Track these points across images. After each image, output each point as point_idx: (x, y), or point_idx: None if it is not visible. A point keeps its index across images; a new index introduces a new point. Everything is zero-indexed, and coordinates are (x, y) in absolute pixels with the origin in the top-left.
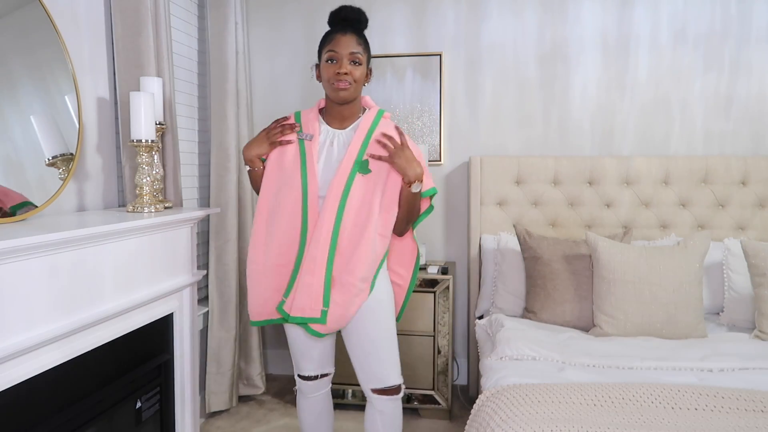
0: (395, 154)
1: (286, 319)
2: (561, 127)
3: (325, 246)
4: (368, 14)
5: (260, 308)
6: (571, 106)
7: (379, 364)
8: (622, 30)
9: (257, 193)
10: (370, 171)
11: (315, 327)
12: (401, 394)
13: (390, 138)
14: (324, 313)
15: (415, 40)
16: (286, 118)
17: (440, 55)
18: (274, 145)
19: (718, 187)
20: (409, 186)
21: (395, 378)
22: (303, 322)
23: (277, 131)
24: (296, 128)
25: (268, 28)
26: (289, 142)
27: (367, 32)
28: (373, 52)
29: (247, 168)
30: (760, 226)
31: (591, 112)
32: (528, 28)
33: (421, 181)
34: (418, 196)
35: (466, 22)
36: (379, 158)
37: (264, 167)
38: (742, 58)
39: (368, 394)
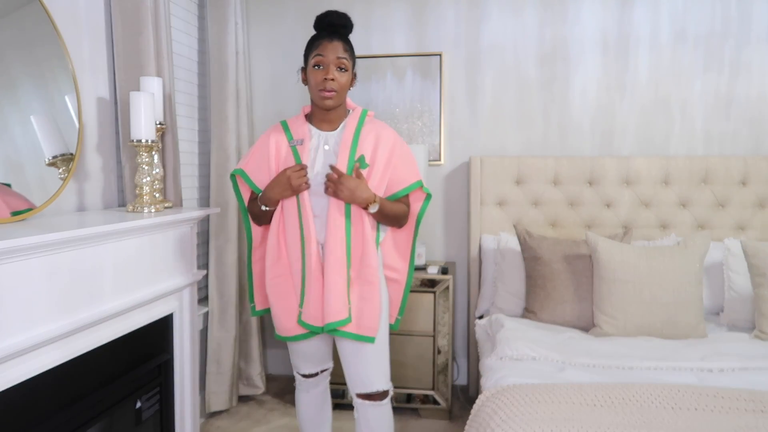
0: (336, 190)
1: (315, 330)
2: (561, 127)
3: (342, 243)
4: (368, 14)
5: (291, 323)
6: (571, 107)
7: (366, 368)
8: (622, 30)
9: (257, 223)
10: (368, 165)
11: (347, 329)
12: (387, 400)
13: (329, 175)
14: (349, 310)
15: (415, 40)
16: (304, 167)
17: (440, 55)
18: (298, 191)
19: (718, 187)
20: (366, 209)
21: (381, 384)
22: (333, 328)
23: (302, 177)
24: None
25: (268, 28)
26: (307, 186)
27: (367, 32)
28: (373, 52)
29: (264, 208)
30: (760, 226)
31: (591, 112)
32: (528, 28)
33: (375, 202)
34: (387, 210)
35: (466, 22)
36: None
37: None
38: (742, 58)
39: (354, 399)
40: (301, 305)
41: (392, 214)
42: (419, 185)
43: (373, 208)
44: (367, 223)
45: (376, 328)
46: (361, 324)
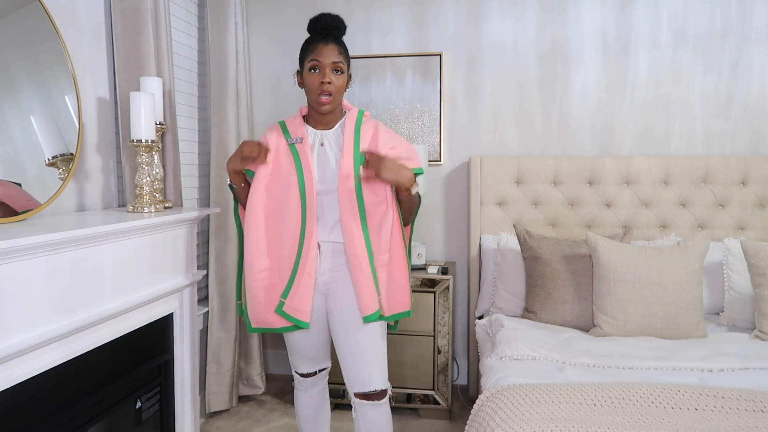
0: (380, 169)
1: (300, 324)
2: (561, 127)
3: (360, 240)
4: (368, 14)
5: (267, 316)
6: (571, 106)
7: (364, 367)
8: (622, 30)
9: (243, 205)
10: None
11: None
12: (385, 400)
13: (369, 154)
14: (379, 302)
15: (415, 40)
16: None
17: (440, 55)
18: (246, 161)
19: (718, 187)
20: (409, 192)
21: (379, 383)
22: (372, 320)
23: (253, 149)
24: (269, 152)
25: (268, 28)
26: (263, 161)
27: (367, 32)
28: (373, 52)
29: (228, 182)
30: (760, 226)
31: (591, 112)
32: (528, 28)
33: (415, 182)
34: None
35: (466, 22)
36: (367, 178)
37: (248, 182)
38: (742, 58)
39: (353, 398)
40: (284, 296)
41: (416, 199)
42: (421, 172)
43: (416, 189)
44: (378, 214)
45: (409, 302)
46: (394, 303)
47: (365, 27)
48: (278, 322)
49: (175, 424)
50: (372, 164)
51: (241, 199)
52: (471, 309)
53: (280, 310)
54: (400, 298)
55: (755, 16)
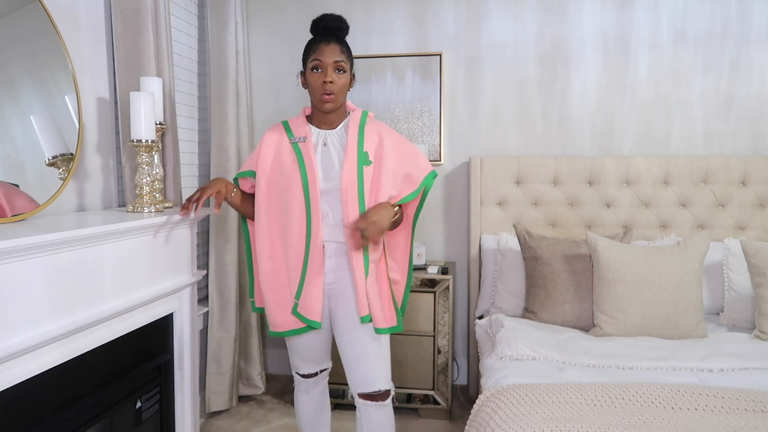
0: (368, 235)
1: (312, 324)
2: (561, 127)
3: (357, 238)
4: (368, 14)
5: (286, 317)
6: (571, 106)
7: (368, 368)
8: (622, 30)
9: (242, 212)
10: (371, 162)
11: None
12: (389, 400)
13: (354, 228)
14: (368, 306)
15: (415, 40)
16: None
17: (440, 55)
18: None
19: (718, 187)
20: (395, 222)
21: (383, 383)
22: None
23: (193, 203)
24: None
25: (268, 28)
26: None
27: (367, 32)
28: (373, 52)
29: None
30: (760, 226)
31: (591, 112)
32: (528, 28)
33: (396, 209)
34: (411, 207)
35: (466, 22)
36: (360, 243)
37: (238, 190)
38: (742, 58)
39: (356, 398)
40: (297, 297)
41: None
42: (435, 175)
43: (397, 215)
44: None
45: (394, 319)
46: (381, 317)
47: (365, 27)
48: (288, 324)
49: (175, 424)
50: (360, 235)
51: (244, 212)
52: (471, 309)
53: (296, 312)
54: (384, 313)
55: (755, 16)
